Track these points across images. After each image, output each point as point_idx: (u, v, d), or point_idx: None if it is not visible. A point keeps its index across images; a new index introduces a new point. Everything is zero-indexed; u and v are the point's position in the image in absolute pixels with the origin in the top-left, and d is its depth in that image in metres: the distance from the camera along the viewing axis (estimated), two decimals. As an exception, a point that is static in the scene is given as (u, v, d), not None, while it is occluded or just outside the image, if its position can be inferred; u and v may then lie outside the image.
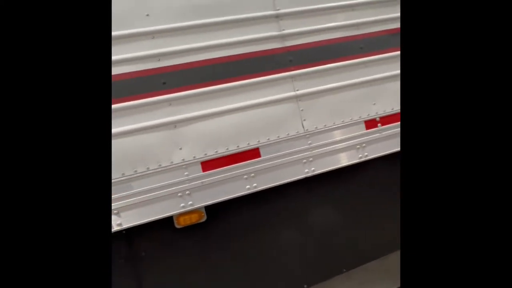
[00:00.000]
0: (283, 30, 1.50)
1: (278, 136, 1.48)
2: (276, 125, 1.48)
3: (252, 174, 1.46)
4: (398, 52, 1.72)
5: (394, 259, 1.59)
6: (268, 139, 1.47)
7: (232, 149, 1.43)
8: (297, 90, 1.51)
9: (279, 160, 1.48)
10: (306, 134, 1.52)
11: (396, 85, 1.70)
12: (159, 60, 1.37)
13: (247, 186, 1.44)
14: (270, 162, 1.47)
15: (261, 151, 1.47)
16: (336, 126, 1.56)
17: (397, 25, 1.69)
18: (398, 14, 1.72)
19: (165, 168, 1.37)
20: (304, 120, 1.51)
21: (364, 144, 1.60)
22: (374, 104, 1.61)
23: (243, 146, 1.44)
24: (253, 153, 1.46)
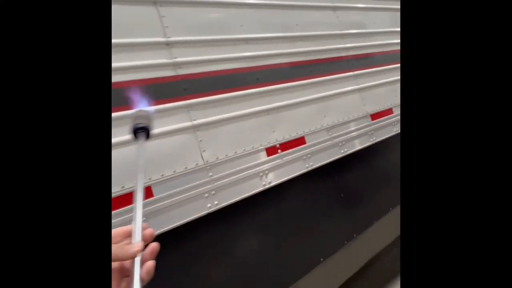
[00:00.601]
0: (175, 58, 1.01)
1: (174, 171, 0.95)
2: (172, 159, 0.95)
3: (144, 218, 0.87)
4: (293, 83, 1.36)
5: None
6: (162, 175, 0.92)
7: (117, 190, 0.84)
8: (194, 120, 1.01)
9: (176, 198, 0.94)
10: (207, 166, 1.02)
11: (293, 113, 1.32)
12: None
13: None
14: (166, 201, 0.92)
15: (154, 189, 0.91)
16: (238, 155, 1.09)
17: (293, 59, 1.35)
18: (292, 50, 1.38)
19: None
20: (204, 151, 1.02)
21: (267, 171, 1.16)
22: (273, 131, 1.19)
23: (129, 186, 0.86)
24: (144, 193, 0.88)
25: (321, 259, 1.48)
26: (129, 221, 0.41)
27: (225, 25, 1.27)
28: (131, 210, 0.64)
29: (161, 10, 1.12)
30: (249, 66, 1.29)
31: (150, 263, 0.38)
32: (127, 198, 0.94)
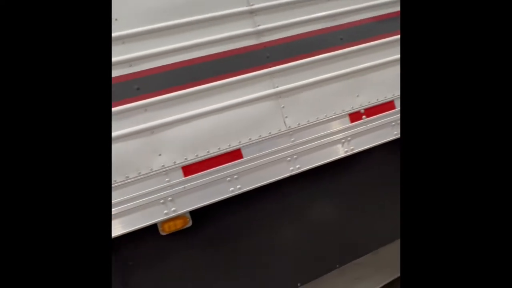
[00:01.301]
0: (258, 26, 1.04)
1: (260, 136, 1.04)
2: (257, 125, 1.04)
3: (236, 176, 1.03)
4: (380, 41, 1.22)
5: (385, 253, 1.13)
6: (250, 139, 1.03)
7: (213, 151, 1.00)
8: (277, 87, 1.06)
9: (262, 160, 1.05)
10: (289, 131, 1.08)
11: (379, 76, 1.22)
12: (130, 65, 0.94)
13: (231, 189, 1.02)
14: (253, 163, 1.05)
15: (243, 151, 1.03)
16: (319, 121, 1.11)
17: (377, 12, 1.20)
18: (377, 2, 1.22)
19: (145, 175, 0.94)
20: (286, 117, 1.07)
21: (349, 138, 1.14)
22: (358, 96, 1.15)
23: (224, 148, 1.01)
24: (235, 155, 1.03)
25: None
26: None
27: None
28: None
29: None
30: (331, 26, 1.22)
31: None
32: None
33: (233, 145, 1.10)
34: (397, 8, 1.32)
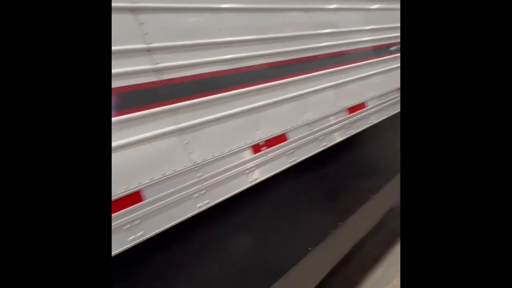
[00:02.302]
0: (157, 63, 1.03)
1: (163, 174, 0.98)
2: (160, 163, 0.99)
3: (136, 222, 0.91)
4: (273, 83, 1.42)
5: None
6: (152, 178, 0.95)
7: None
8: (179, 124, 1.05)
9: (167, 200, 0.99)
10: (195, 167, 1.05)
11: (274, 111, 1.39)
12: None
13: (131, 237, 0.88)
14: (157, 204, 0.95)
15: (144, 193, 0.94)
16: (224, 154, 1.14)
17: (271, 60, 1.40)
18: (271, 51, 1.44)
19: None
20: (191, 153, 1.06)
21: (253, 168, 1.22)
22: (257, 130, 1.25)
23: (121, 191, 0.89)
24: (134, 198, 0.92)
25: (309, 249, 1.56)
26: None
27: (204, 30, 1.31)
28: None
29: (140, 17, 1.14)
30: (230, 68, 1.34)
31: None
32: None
33: (131, 187, 1.00)
34: (288, 57, 1.59)
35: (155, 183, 1.04)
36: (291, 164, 1.46)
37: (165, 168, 1.07)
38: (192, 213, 1.11)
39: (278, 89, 1.49)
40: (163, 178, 1.06)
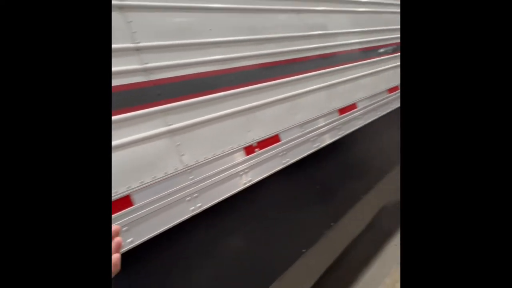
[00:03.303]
0: (146, 63, 1.00)
1: (154, 177, 0.94)
2: (150, 165, 0.95)
3: (125, 228, 0.87)
4: (264, 84, 1.40)
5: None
6: (142, 182, 0.91)
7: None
8: (170, 125, 1.01)
9: (158, 204, 0.95)
10: (187, 169, 1.02)
11: (266, 112, 1.37)
12: None
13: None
14: (147, 209, 0.92)
15: (134, 197, 0.89)
16: (217, 156, 1.11)
17: (262, 60, 1.39)
18: (262, 52, 1.42)
19: None
20: (183, 155, 1.02)
21: (247, 170, 1.19)
22: (249, 131, 1.23)
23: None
24: (123, 202, 0.87)
25: (303, 250, 1.54)
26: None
27: (195, 29, 1.28)
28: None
29: (128, 15, 1.10)
30: (221, 69, 1.32)
31: (116, 256, 0.41)
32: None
33: (120, 191, 0.95)
34: (279, 58, 1.58)
35: (145, 186, 1.00)
36: (284, 165, 1.45)
37: (155, 171, 1.03)
38: (185, 217, 1.07)
39: (270, 90, 1.48)
40: (153, 182, 1.02)
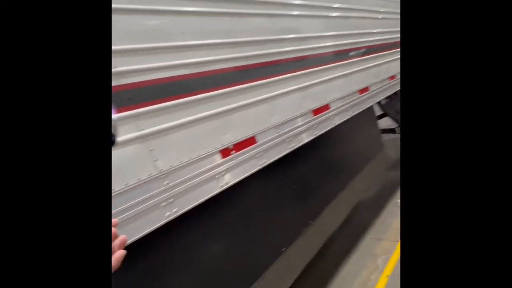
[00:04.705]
0: (116, 67, 0.97)
1: (127, 184, 0.91)
2: (122, 172, 0.92)
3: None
4: (239, 87, 1.41)
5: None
6: (113, 189, 0.87)
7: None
8: (142, 130, 0.98)
9: (131, 211, 0.92)
10: (161, 175, 1.00)
11: (241, 115, 1.37)
12: None
13: None
14: (120, 216, 0.88)
15: (105, 206, 0.85)
16: (192, 160, 1.10)
17: (237, 64, 1.39)
18: (237, 55, 1.43)
19: None
20: (156, 160, 1.00)
21: (223, 173, 1.19)
22: (225, 134, 1.23)
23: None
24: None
25: (283, 249, 1.57)
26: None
27: (166, 32, 1.26)
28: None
29: (94, 18, 1.06)
30: (194, 72, 1.30)
31: (120, 252, 0.41)
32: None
33: (90, 200, 0.91)
34: (254, 61, 1.59)
35: (117, 194, 0.96)
36: (261, 166, 1.46)
37: (128, 177, 1.00)
38: (160, 223, 1.05)
39: (245, 93, 1.49)
40: (126, 188, 0.99)
